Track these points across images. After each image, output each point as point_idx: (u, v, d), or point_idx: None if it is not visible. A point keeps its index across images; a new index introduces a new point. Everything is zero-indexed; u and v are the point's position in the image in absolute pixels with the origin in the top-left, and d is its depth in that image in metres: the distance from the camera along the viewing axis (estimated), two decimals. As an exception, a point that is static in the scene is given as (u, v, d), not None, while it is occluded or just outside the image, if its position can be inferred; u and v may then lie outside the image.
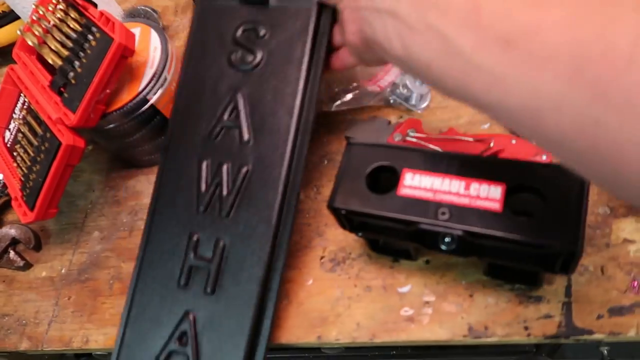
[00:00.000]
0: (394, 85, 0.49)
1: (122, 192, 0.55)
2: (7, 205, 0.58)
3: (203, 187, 0.43)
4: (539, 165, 0.32)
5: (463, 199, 0.32)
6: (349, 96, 0.50)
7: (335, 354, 0.70)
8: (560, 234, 0.30)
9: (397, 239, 0.37)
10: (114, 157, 0.58)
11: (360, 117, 0.50)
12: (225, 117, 0.44)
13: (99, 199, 0.55)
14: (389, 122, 0.48)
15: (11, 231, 0.55)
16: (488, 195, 0.32)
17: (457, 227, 0.32)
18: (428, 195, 0.33)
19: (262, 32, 0.45)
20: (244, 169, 0.42)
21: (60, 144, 0.45)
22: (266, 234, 0.41)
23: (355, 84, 0.49)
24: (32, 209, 0.47)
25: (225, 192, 0.42)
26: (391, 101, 0.49)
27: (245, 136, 0.43)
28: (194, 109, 0.45)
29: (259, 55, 0.44)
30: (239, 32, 0.45)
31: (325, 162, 0.49)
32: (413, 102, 0.48)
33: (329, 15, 0.43)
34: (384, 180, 0.36)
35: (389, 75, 0.49)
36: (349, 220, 0.37)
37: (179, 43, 0.64)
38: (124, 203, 0.54)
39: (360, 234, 0.39)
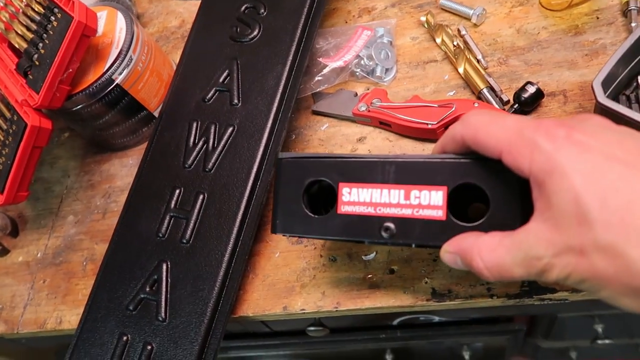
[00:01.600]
0: (359, 58, 0.49)
1: (97, 176, 0.55)
2: (-15, 194, 0.58)
3: (191, 143, 0.46)
4: (478, 161, 0.29)
5: (405, 210, 0.30)
6: (317, 78, 0.49)
7: (322, 337, 0.70)
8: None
9: (341, 239, 0.36)
10: (89, 142, 0.58)
11: (327, 90, 0.49)
12: (219, 81, 0.47)
13: (74, 184, 0.55)
14: (356, 94, 0.48)
15: (-11, 217, 0.55)
16: (430, 202, 0.30)
17: (402, 243, 0.31)
18: (369, 211, 0.31)
19: (262, 10, 0.49)
20: (230, 129, 0.45)
21: (26, 125, 0.45)
22: (243, 189, 0.42)
23: (320, 64, 0.49)
24: (1, 192, 0.47)
25: (210, 148, 0.44)
26: (357, 75, 0.49)
27: (235, 99, 0.46)
28: (193, 77, 0.49)
29: (256, 29, 0.48)
30: (242, 9, 0.49)
31: (293, 136, 0.49)
32: (378, 73, 0.48)
33: None
34: (323, 191, 0.34)
35: (353, 50, 0.49)
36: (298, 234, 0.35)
37: (152, 29, 0.64)
38: (98, 187, 0.54)
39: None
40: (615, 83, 0.38)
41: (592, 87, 0.35)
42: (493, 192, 0.28)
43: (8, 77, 0.48)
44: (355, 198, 0.31)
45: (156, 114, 0.53)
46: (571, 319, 0.73)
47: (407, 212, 0.30)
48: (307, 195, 0.33)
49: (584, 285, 0.24)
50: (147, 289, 0.42)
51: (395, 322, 0.71)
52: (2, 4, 0.51)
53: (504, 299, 0.36)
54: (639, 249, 0.21)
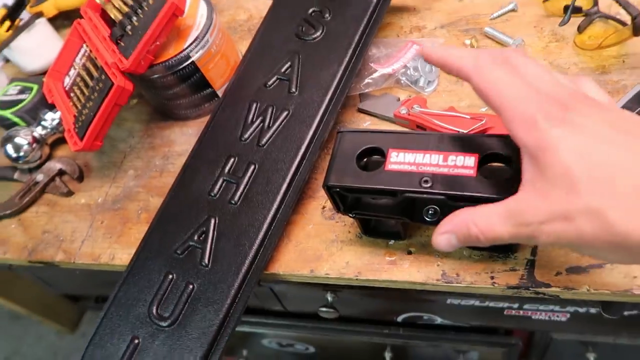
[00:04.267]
0: (405, 68, 0.55)
1: (158, 140, 0.62)
2: (57, 142, 0.66)
3: (249, 121, 0.52)
4: (502, 136, 0.36)
5: (442, 169, 0.36)
6: (366, 80, 0.56)
7: (328, 325, 0.75)
8: None
9: (386, 216, 0.42)
10: (155, 110, 0.65)
11: (373, 92, 0.55)
12: (281, 71, 0.54)
13: (137, 144, 0.63)
14: (398, 99, 0.54)
15: (59, 163, 0.62)
16: (464, 164, 0.36)
17: (438, 192, 0.36)
18: (412, 169, 0.37)
19: (326, 14, 0.55)
20: (285, 113, 0.51)
21: (112, 84, 0.53)
22: (290, 165, 0.48)
23: (371, 68, 0.56)
24: (81, 139, 0.54)
25: (265, 127, 0.51)
26: (402, 83, 0.55)
27: (293, 88, 0.52)
28: (258, 63, 0.56)
29: (319, 32, 0.54)
30: (310, 12, 0.56)
31: (339, 127, 0.55)
32: (421, 84, 0.54)
33: (384, 7, 0.54)
34: (373, 162, 0.40)
35: (402, 60, 0.55)
36: (342, 200, 0.41)
37: (223, 20, 0.71)
38: (158, 149, 0.61)
39: (353, 214, 0.44)
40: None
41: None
42: (514, 158, 0.34)
43: (100, 42, 0.56)
44: (401, 159, 0.38)
45: (219, 93, 0.60)
46: (565, 343, 0.77)
47: (444, 171, 0.36)
48: (359, 161, 0.39)
49: (570, 246, 0.29)
50: (195, 238, 0.48)
51: (399, 319, 0.76)
52: (104, -20, 0.58)
53: (504, 287, 0.41)
54: (619, 211, 0.25)
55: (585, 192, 0.26)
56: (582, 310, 0.61)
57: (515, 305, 0.63)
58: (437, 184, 0.36)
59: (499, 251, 0.42)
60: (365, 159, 0.40)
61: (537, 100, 0.29)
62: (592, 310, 0.60)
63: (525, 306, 0.63)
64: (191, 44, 0.55)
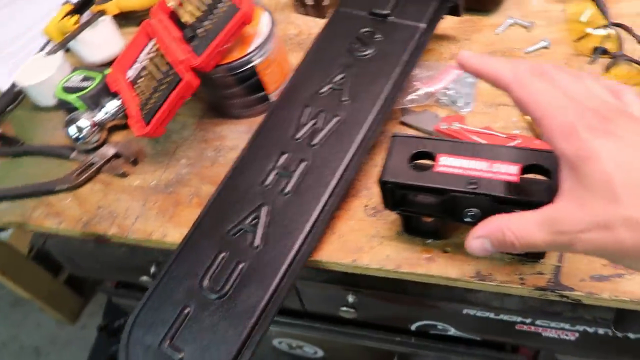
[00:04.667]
0: (446, 89, 0.60)
1: (210, 134, 0.67)
2: (114, 129, 0.71)
3: (302, 122, 0.57)
4: (545, 151, 0.40)
5: (487, 174, 0.41)
6: (410, 97, 0.61)
7: (347, 322, 0.79)
8: None
9: (429, 214, 0.47)
10: (208, 107, 0.70)
11: (414, 108, 0.61)
12: (334, 80, 0.59)
13: (190, 136, 0.68)
14: (437, 116, 0.59)
15: (116, 147, 0.67)
16: (507, 171, 0.41)
17: (484, 193, 0.41)
18: (459, 172, 0.42)
19: (377, 35, 0.61)
20: (336, 118, 0.56)
21: (180, 79, 0.58)
22: (339, 165, 0.53)
23: (415, 86, 0.61)
24: (147, 124, 0.59)
25: (318, 129, 0.56)
26: (441, 102, 0.61)
27: (344, 97, 0.58)
28: (312, 72, 0.61)
29: (370, 50, 0.60)
30: (361, 31, 0.62)
31: (382, 137, 0.60)
32: (459, 104, 0.60)
33: (429, 34, 0.60)
34: (423, 165, 0.44)
35: (443, 82, 0.61)
36: (392, 195, 0.46)
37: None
38: (211, 142, 0.66)
39: (398, 210, 0.49)
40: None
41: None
42: (555, 172, 0.38)
43: (171, 41, 0.62)
44: (450, 163, 0.42)
45: (271, 97, 0.66)
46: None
47: (489, 175, 0.41)
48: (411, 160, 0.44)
49: (606, 255, 0.30)
50: (247, 222, 0.53)
51: (413, 327, 0.80)
52: (181, -14, 0.64)
53: (532, 288, 0.45)
54: None
55: (627, 202, 0.27)
56: (591, 330, 0.65)
57: (528, 320, 0.67)
58: (482, 186, 0.41)
59: (529, 257, 0.47)
60: (415, 162, 0.45)
61: (578, 111, 0.30)
62: (601, 331, 0.65)
63: (538, 322, 0.67)
64: (254, 50, 0.61)
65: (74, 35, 0.76)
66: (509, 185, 0.41)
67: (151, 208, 0.61)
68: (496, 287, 0.47)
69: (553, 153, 0.36)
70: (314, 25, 0.76)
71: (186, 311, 0.50)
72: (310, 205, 0.52)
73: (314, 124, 0.57)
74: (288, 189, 0.54)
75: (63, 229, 0.63)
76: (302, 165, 0.55)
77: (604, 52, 0.58)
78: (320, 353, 1.01)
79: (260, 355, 1.19)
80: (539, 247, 0.32)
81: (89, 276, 1.00)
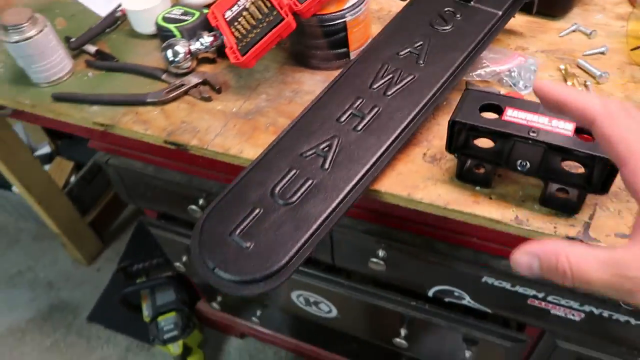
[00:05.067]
0: (510, 71, 0.68)
1: (289, 78, 0.75)
2: (204, 60, 0.79)
3: (379, 75, 0.65)
4: None
5: (547, 127, 0.50)
6: (478, 71, 0.69)
7: (379, 270, 0.85)
8: None
9: (485, 159, 0.55)
10: (291, 56, 0.78)
11: (477, 83, 0.69)
12: (413, 46, 0.67)
13: (271, 78, 0.76)
14: (499, 92, 0.67)
15: (204, 75, 0.76)
16: (564, 127, 0.49)
17: (542, 141, 0.49)
18: (523, 122, 0.50)
19: (458, 15, 0.69)
20: (411, 77, 0.64)
21: (282, 19, 0.66)
22: (408, 113, 0.61)
23: (485, 64, 0.69)
24: (243, 55, 0.68)
25: (393, 83, 0.64)
26: (503, 82, 0.68)
27: (420, 60, 0.66)
28: (394, 37, 0.69)
29: (449, 26, 0.68)
30: (444, 10, 0.70)
31: (444, 103, 0.68)
32: (519, 86, 0.67)
33: (504, 22, 0.67)
34: (493, 112, 0.53)
35: (508, 64, 0.68)
36: (457, 137, 0.55)
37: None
38: (289, 85, 0.74)
39: (459, 153, 0.56)
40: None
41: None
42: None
43: (276, -12, 0.70)
44: (515, 115, 0.50)
45: (351, 55, 0.74)
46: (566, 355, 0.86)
47: (548, 128, 0.48)
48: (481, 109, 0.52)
49: None
50: (321, 148, 0.61)
51: (430, 292, 0.86)
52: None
53: (564, 236, 0.52)
54: None
55: None
56: (597, 312, 0.71)
57: (541, 295, 0.74)
58: (542, 135, 0.49)
59: (565, 210, 0.54)
60: (486, 110, 0.53)
61: None
62: (605, 314, 0.71)
63: (550, 297, 0.73)
64: (348, 7, 0.69)
65: (179, -25, 0.85)
66: (565, 138, 0.48)
67: (231, 129, 0.69)
68: (529, 233, 0.54)
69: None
70: (394, 5, 0.84)
71: (256, 211, 0.58)
72: (376, 143, 0.60)
73: (391, 78, 0.65)
74: (360, 127, 0.62)
75: (149, 135, 0.71)
76: (375, 111, 0.63)
77: (655, 63, 0.65)
78: (333, 313, 1.08)
79: (265, 316, 1.26)
80: (593, 286, 0.29)
81: (137, 204, 1.08)
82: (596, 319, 0.72)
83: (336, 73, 0.68)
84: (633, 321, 0.70)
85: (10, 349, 1.76)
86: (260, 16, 0.70)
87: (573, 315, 0.74)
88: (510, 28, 0.76)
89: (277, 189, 0.59)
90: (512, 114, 0.51)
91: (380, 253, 0.81)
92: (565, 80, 0.67)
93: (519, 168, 0.52)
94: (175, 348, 1.51)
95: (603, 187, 0.49)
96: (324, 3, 0.68)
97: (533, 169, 0.52)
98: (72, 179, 1.90)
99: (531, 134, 0.49)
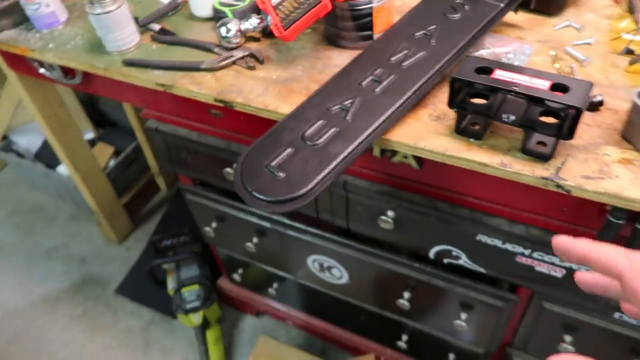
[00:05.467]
0: (507, 52, 0.81)
1: (321, 54, 0.89)
2: (250, 39, 0.94)
3: (396, 51, 0.79)
4: (571, 78, 0.62)
5: (527, 83, 0.62)
6: (480, 51, 0.82)
7: (388, 229, 0.97)
8: (575, 101, 0.59)
9: (477, 113, 0.67)
10: (322, 38, 0.93)
11: (481, 63, 0.82)
12: (428, 29, 0.81)
13: (305, 54, 0.90)
14: (496, 71, 0.80)
15: (251, 48, 0.90)
16: (542, 84, 0.61)
17: (525, 92, 0.61)
18: (508, 79, 0.63)
19: (466, 6, 0.83)
20: (423, 52, 0.78)
21: (320, 1, 0.81)
22: (417, 82, 0.74)
23: (487, 46, 0.82)
24: (285, 29, 0.82)
25: (407, 57, 0.78)
26: (502, 60, 0.81)
27: (432, 40, 0.79)
28: (411, 22, 0.83)
29: (458, 15, 0.82)
30: (456, 1, 0.84)
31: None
32: (515, 64, 0.80)
33: (504, 12, 0.81)
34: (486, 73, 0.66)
35: (507, 48, 0.81)
36: (457, 94, 0.67)
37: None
38: (321, 60, 0.88)
39: (458, 108, 0.69)
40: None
41: (631, 94, 0.64)
42: (573, 89, 0.59)
43: (315, -22, 0.85)
44: (503, 74, 0.63)
45: (374, 37, 0.88)
46: (553, 316, 0.96)
47: (528, 84, 0.61)
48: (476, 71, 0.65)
49: None
50: (344, 103, 0.74)
51: (431, 253, 0.97)
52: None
53: (538, 177, 0.64)
54: None
55: None
56: (576, 267, 0.82)
57: (527, 252, 0.85)
58: (522, 89, 0.61)
59: (541, 158, 0.66)
60: (478, 72, 0.66)
61: None
62: (583, 269, 0.81)
63: (535, 254, 0.84)
64: (374, -4, 0.83)
65: (234, -31, 1.01)
66: (542, 91, 0.60)
67: (271, 91, 0.83)
68: (512, 175, 0.66)
69: (576, 79, 0.57)
70: (415, 2, 0.98)
71: (288, 150, 0.71)
72: (390, 102, 0.73)
73: (406, 53, 0.79)
74: (377, 90, 0.75)
75: (202, 94, 0.85)
76: (391, 77, 0.76)
77: (630, 51, 0.77)
78: (344, 278, 1.19)
79: (283, 287, 1.37)
80: None
81: (179, 170, 1.22)
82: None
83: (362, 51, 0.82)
84: (607, 276, 0.80)
85: (42, 315, 1.90)
86: (301, 0, 0.85)
87: (555, 271, 0.85)
88: (513, 22, 0.89)
89: (307, 133, 0.72)
90: (500, 74, 0.64)
91: (390, 213, 0.93)
92: (554, 63, 0.79)
93: (504, 119, 0.64)
94: (196, 318, 1.63)
95: (569, 133, 0.61)
96: (354, -9, 0.82)
97: (517, 120, 0.64)
98: (111, 163, 2.07)
99: (514, 87, 0.62)
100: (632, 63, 0.76)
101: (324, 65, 0.87)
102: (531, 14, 0.89)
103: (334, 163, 0.69)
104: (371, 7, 0.84)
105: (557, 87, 0.62)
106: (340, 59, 0.88)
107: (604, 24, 0.86)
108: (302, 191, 0.67)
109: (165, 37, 0.98)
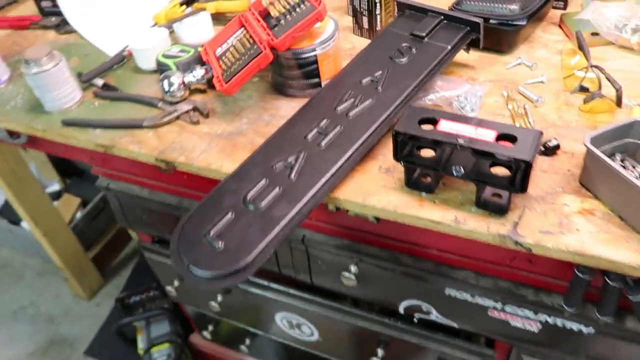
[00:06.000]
0: (459, 96, 0.77)
1: (269, 105, 0.85)
2: (195, 91, 0.90)
3: (343, 100, 0.75)
4: (518, 128, 0.57)
5: (473, 135, 0.58)
6: (430, 96, 0.78)
7: (351, 285, 0.91)
8: (524, 154, 0.54)
9: (425, 167, 0.63)
10: (270, 87, 0.89)
11: (429, 105, 0.78)
12: (375, 75, 0.77)
13: (252, 105, 0.86)
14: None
15: (195, 103, 0.86)
16: (487, 135, 0.57)
17: (470, 146, 0.57)
18: (452, 132, 0.59)
19: (413, 49, 0.79)
20: (369, 100, 0.74)
21: (261, 52, 0.77)
22: (364, 133, 0.70)
23: (437, 90, 0.78)
24: (226, 82, 0.78)
25: (354, 105, 0.73)
26: (453, 105, 0.77)
27: (379, 87, 0.75)
28: (358, 68, 0.79)
29: (405, 58, 0.78)
30: (402, 45, 0.80)
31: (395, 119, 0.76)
32: (467, 109, 0.76)
33: (452, 54, 0.77)
34: (429, 125, 0.61)
35: (457, 90, 0.78)
36: (402, 148, 0.63)
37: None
38: (268, 110, 0.84)
39: (404, 161, 0.64)
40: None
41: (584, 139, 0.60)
42: (520, 139, 0.54)
43: (258, 26, 0.81)
44: (447, 126, 0.58)
45: (323, 84, 0.84)
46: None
47: (473, 136, 0.56)
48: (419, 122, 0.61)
49: None
50: (288, 161, 0.69)
51: (401, 308, 0.92)
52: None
53: (495, 235, 0.59)
54: None
55: None
56: (550, 320, 0.76)
57: (499, 306, 0.79)
58: (469, 141, 0.57)
59: (497, 211, 0.61)
60: (422, 124, 0.61)
61: None
62: (559, 323, 0.76)
63: (507, 308, 0.79)
64: (318, 43, 0.80)
65: (179, 19, 0.98)
66: (488, 144, 0.56)
67: (214, 147, 0.78)
68: (468, 234, 0.61)
69: (524, 129, 0.53)
70: (365, 44, 0.95)
71: (229, 215, 0.66)
72: (337, 156, 0.69)
73: (352, 102, 0.75)
74: (323, 143, 0.70)
75: (142, 154, 0.80)
76: (337, 129, 0.72)
77: (583, 89, 0.74)
78: (315, 335, 1.12)
79: (255, 344, 1.29)
80: None
81: (134, 228, 1.16)
82: (552, 329, 0.77)
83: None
84: (584, 329, 0.74)
85: (8, 382, 1.79)
86: (243, 50, 0.81)
87: (531, 325, 0.79)
88: (464, 62, 0.86)
89: (249, 195, 0.67)
90: (444, 126, 0.59)
91: (352, 268, 0.87)
92: (507, 104, 0.76)
93: (454, 173, 0.60)
94: (167, 379, 1.53)
95: (522, 187, 0.56)
96: (298, 39, 0.79)
97: (466, 173, 0.59)
98: (78, 215, 1.99)
99: (458, 140, 0.57)
100: (586, 101, 0.73)
101: (271, 116, 0.82)
102: (483, 52, 0.86)
103: (277, 229, 0.63)
104: (315, 55, 0.80)
105: (505, 137, 0.57)
106: (288, 108, 0.83)
107: (555, 60, 0.83)
108: (242, 264, 0.61)
109: (107, 93, 0.94)
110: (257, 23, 0.82)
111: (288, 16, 0.79)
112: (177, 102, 0.87)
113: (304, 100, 0.84)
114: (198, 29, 0.99)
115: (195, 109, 0.85)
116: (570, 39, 0.87)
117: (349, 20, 1.00)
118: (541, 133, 0.57)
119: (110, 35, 1.08)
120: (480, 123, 0.58)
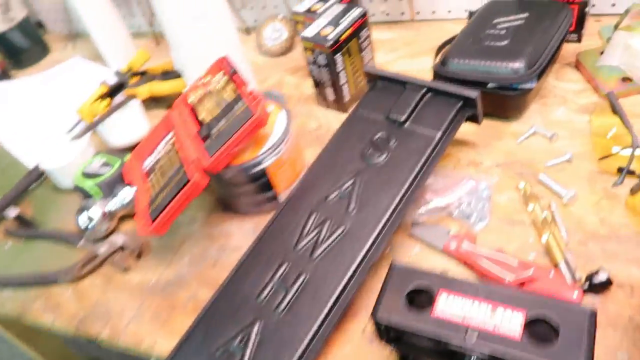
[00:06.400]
0: (459, 202, 0.58)
1: (216, 231, 0.66)
2: (126, 217, 0.71)
3: (306, 231, 0.55)
4: (555, 301, 0.37)
5: (488, 325, 0.38)
6: (421, 209, 0.59)
7: None
8: None
9: (424, 354, 0.43)
10: (218, 202, 0.70)
11: (425, 221, 0.58)
12: (343, 188, 0.57)
13: (196, 232, 0.67)
14: (449, 232, 0.56)
15: (122, 239, 0.67)
16: (510, 325, 0.37)
17: (480, 351, 0.37)
18: (457, 320, 0.39)
19: (392, 141, 0.59)
20: (341, 229, 0.54)
21: (188, 180, 0.58)
22: (339, 282, 0.50)
23: (428, 199, 0.59)
24: (152, 221, 0.59)
25: (320, 240, 0.54)
26: (454, 215, 0.58)
27: (351, 207, 0.56)
28: (323, 176, 0.60)
29: (383, 156, 0.58)
30: (376, 136, 0.60)
31: (388, 249, 0.57)
32: (473, 220, 0.56)
33: (445, 144, 0.58)
34: (422, 298, 0.41)
35: (456, 194, 0.58)
36: (387, 330, 0.43)
37: (294, 126, 0.77)
38: (216, 240, 0.65)
39: (394, 345, 0.45)
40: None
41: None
42: (564, 329, 0.35)
43: (186, 137, 0.62)
44: (450, 304, 0.39)
45: (281, 197, 0.65)
46: None
47: (489, 328, 0.37)
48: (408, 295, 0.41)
49: None
50: (236, 343, 0.50)
51: None
52: (204, 82, 0.66)
53: None
54: None
55: None
56: None
57: None
58: (481, 340, 0.37)
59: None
60: (413, 297, 0.42)
61: None
62: None
63: None
64: (266, 151, 0.60)
65: (102, 118, 0.79)
66: (511, 342, 0.37)
67: (146, 311, 0.59)
68: None
69: (564, 303, 0.33)
70: (334, 120, 0.76)
71: None
72: (303, 327, 0.49)
73: (318, 233, 0.55)
74: (283, 305, 0.51)
75: (57, 327, 0.61)
76: (300, 279, 0.52)
77: (630, 172, 0.54)
78: None
79: None
80: None
81: None
82: None
83: (268, 217, 0.59)
84: None
85: None
86: (170, 172, 0.62)
87: None
88: (461, 138, 0.66)
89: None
90: (444, 307, 0.40)
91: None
92: (526, 205, 0.56)
93: (467, 340, 0.40)
94: None
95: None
96: (236, 154, 0.59)
97: (482, 348, 0.40)
98: None
99: (467, 338, 0.38)
100: (635, 191, 0.53)
101: (220, 250, 0.63)
102: (485, 119, 0.65)
103: None
104: (264, 168, 0.61)
105: (539, 321, 0.38)
106: (240, 235, 0.64)
107: (581, 123, 0.63)
108: None
109: (20, 231, 0.75)
110: (185, 130, 0.63)
111: (222, 122, 0.60)
112: (102, 238, 0.69)
113: (259, 219, 0.65)
114: (126, 126, 0.80)
115: (123, 248, 0.66)
116: (592, 84, 0.67)
117: (312, 85, 0.79)
118: (595, 314, 0.37)
119: (28, 142, 0.90)
120: (498, 297, 0.39)
